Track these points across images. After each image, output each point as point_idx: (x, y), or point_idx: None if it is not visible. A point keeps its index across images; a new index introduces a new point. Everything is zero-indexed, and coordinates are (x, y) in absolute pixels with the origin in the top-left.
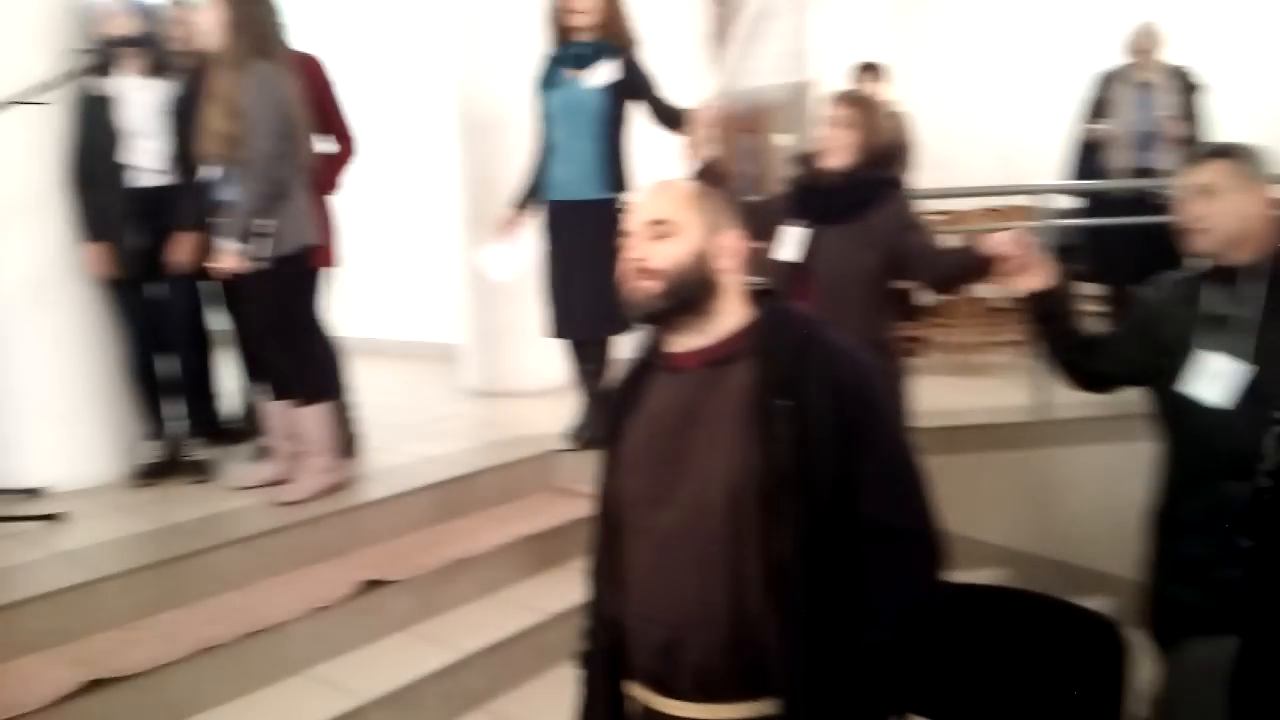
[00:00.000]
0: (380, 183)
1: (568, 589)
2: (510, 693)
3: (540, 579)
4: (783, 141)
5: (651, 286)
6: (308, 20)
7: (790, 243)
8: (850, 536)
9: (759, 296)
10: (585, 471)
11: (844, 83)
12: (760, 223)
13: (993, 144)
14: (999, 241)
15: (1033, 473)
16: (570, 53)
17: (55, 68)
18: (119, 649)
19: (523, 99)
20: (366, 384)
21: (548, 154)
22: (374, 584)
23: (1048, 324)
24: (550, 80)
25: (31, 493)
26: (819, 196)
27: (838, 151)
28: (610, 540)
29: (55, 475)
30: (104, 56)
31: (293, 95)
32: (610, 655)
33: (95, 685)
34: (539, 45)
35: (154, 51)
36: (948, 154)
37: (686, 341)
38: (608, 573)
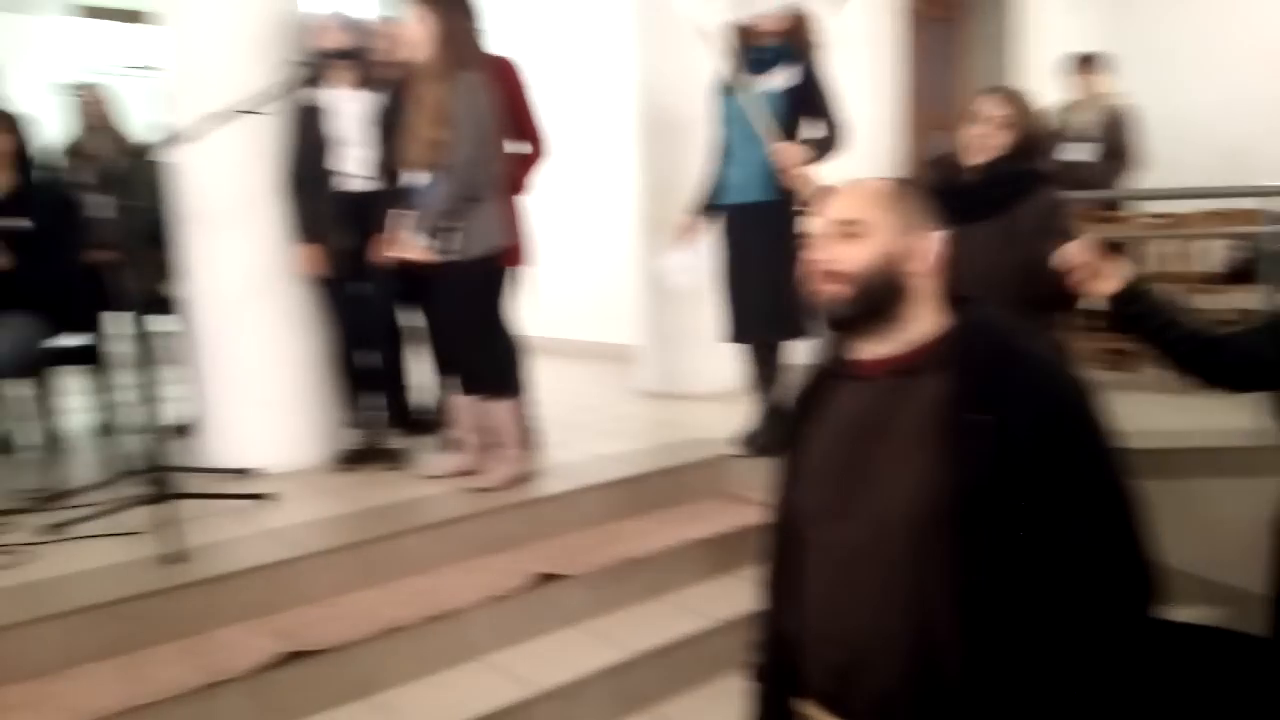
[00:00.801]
0: (563, 184)
1: (737, 597)
2: (677, 697)
3: (710, 585)
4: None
5: (837, 290)
6: (497, 21)
7: None
8: (1051, 563)
9: (957, 302)
10: (758, 478)
11: (1062, 74)
12: None
13: (1219, 141)
14: (1060, 256)
15: (1262, 502)
16: (750, 57)
17: (273, 79)
18: (315, 624)
19: (702, 104)
20: (545, 381)
21: (723, 158)
22: (548, 577)
23: (1141, 324)
24: (731, 85)
25: (245, 473)
26: (958, 196)
27: (986, 152)
28: (785, 552)
29: (266, 457)
30: (317, 69)
31: (490, 104)
32: (783, 671)
33: (293, 657)
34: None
35: (362, 64)
36: (1169, 151)
37: (874, 348)
38: (782, 586)
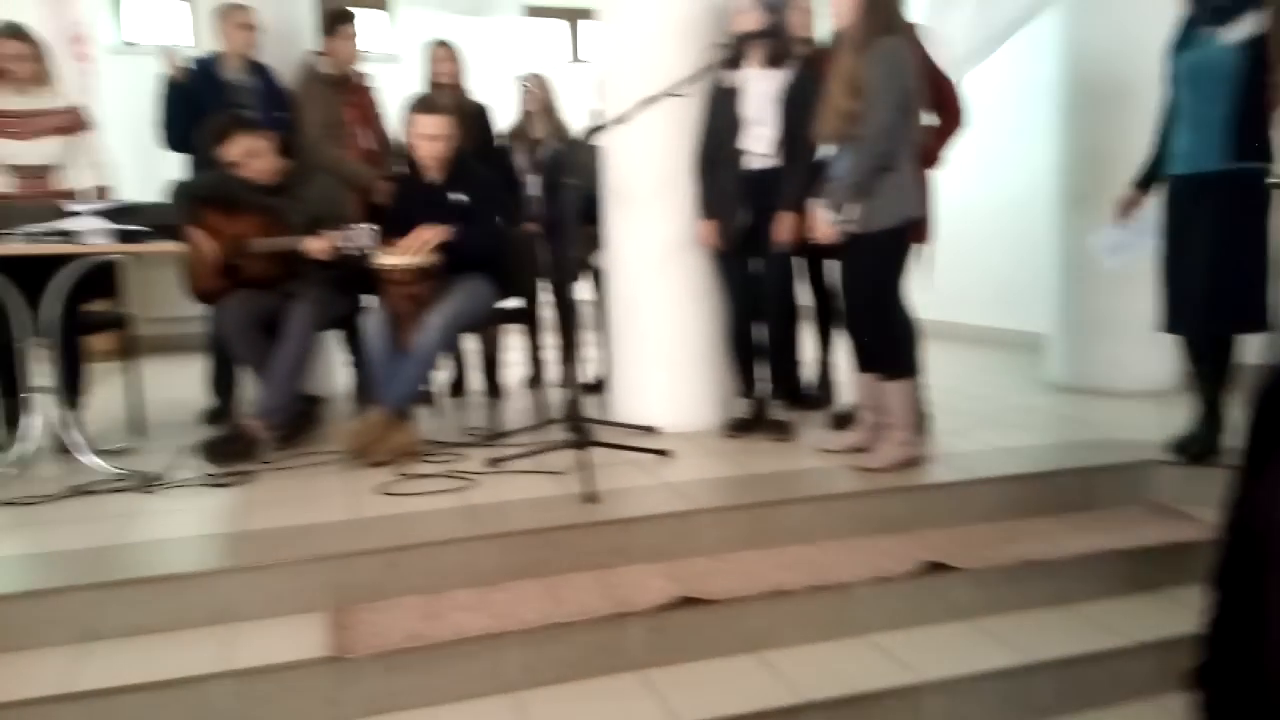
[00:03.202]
0: (968, 157)
1: (1160, 619)
2: (1078, 715)
3: (1126, 601)
4: None
5: None
6: None
7: None
8: None
9: None
10: (1192, 490)
11: None
12: None
13: None
14: None
15: None
16: (1208, 6)
17: (695, 63)
18: (706, 575)
19: (1144, 66)
20: (939, 366)
21: (1172, 123)
22: (937, 566)
23: None
24: (1185, 41)
25: (648, 429)
26: None
27: None
28: (1247, 576)
29: (664, 417)
30: (734, 50)
31: (913, 69)
32: (1235, 710)
33: (687, 602)
34: (1164, 6)
35: (776, 43)
36: None
37: None
38: (1241, 614)
